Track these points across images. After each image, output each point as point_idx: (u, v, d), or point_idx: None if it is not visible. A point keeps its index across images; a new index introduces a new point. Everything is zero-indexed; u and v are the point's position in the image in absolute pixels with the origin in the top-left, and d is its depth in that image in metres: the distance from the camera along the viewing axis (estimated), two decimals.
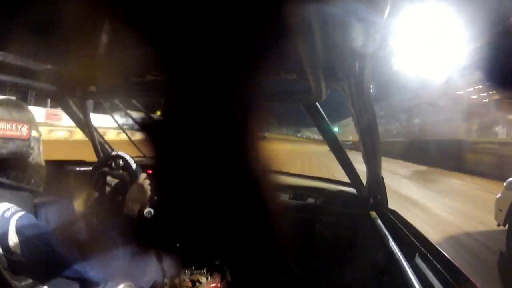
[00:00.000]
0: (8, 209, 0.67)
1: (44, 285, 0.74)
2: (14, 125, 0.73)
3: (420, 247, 0.83)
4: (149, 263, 1.05)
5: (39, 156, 0.82)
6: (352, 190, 1.39)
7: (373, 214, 1.21)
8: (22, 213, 0.67)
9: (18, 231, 0.63)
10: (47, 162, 0.83)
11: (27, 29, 0.57)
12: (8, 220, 0.64)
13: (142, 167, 1.21)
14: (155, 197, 1.14)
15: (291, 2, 0.27)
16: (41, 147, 0.82)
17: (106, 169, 1.30)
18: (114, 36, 0.54)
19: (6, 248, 0.63)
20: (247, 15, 0.26)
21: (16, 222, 0.64)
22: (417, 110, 26.98)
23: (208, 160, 0.29)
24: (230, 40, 0.26)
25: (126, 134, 1.67)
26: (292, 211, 1.36)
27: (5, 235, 0.63)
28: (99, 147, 1.62)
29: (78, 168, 1.54)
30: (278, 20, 0.27)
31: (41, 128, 0.81)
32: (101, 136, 1.66)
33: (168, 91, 0.30)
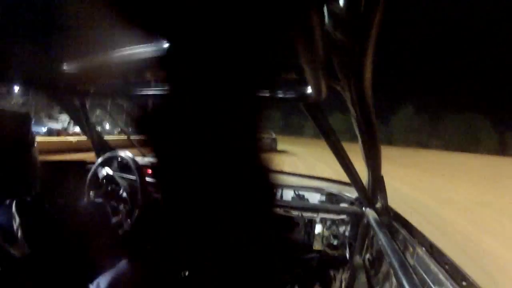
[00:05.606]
0: (6, 199, 0.67)
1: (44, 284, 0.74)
2: (12, 126, 0.74)
3: (420, 245, 0.83)
4: (148, 263, 1.05)
5: (35, 156, 0.82)
6: (352, 189, 1.39)
7: (373, 213, 1.22)
8: (21, 198, 0.67)
9: (19, 211, 0.64)
10: (48, 162, 0.83)
11: (27, 29, 0.57)
12: (9, 205, 0.65)
13: (142, 166, 1.21)
14: (155, 197, 1.14)
15: (291, 1, 0.27)
16: (37, 147, 0.83)
17: (107, 168, 1.30)
18: (115, 36, 0.54)
19: (9, 234, 0.64)
20: (247, 15, 0.26)
21: (17, 206, 0.65)
22: None
23: (208, 159, 0.29)
24: (230, 40, 0.26)
25: (126, 134, 1.67)
26: (292, 211, 1.36)
27: (9, 218, 0.64)
28: (98, 147, 1.62)
29: (78, 168, 1.54)
30: (278, 19, 0.27)
31: None
32: (101, 136, 1.67)
33: (168, 91, 0.30)
